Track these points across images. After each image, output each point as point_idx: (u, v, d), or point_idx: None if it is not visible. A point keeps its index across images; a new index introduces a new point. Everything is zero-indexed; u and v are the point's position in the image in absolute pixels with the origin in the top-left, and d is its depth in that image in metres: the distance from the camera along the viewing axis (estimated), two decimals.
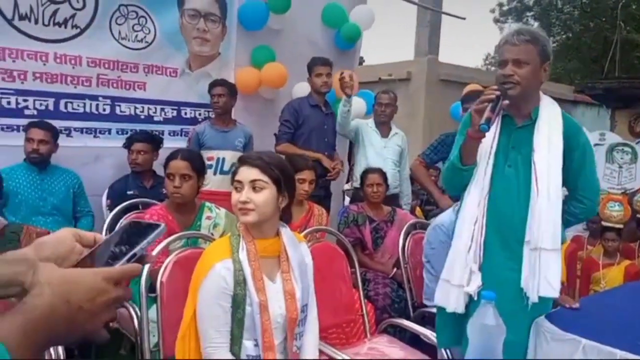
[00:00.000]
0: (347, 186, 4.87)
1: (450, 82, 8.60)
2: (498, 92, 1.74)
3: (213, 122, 3.71)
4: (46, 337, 0.55)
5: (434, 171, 4.40)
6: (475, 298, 1.76)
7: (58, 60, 3.36)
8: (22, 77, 3.25)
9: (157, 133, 3.68)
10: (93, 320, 0.59)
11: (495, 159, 1.85)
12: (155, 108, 3.83)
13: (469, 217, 1.85)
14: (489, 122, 1.70)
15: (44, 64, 3.32)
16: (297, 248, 1.72)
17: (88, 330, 0.60)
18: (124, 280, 0.64)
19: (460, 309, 1.80)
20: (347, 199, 4.59)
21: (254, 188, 1.61)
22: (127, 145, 3.39)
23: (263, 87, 4.21)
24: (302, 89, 4.17)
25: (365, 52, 5.52)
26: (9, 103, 3.23)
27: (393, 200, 3.64)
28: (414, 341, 2.44)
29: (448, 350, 2.02)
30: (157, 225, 0.74)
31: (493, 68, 24.60)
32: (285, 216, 1.76)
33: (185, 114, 4.00)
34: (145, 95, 3.75)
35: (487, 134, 1.75)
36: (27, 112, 3.28)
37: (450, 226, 2.76)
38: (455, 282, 1.82)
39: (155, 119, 3.84)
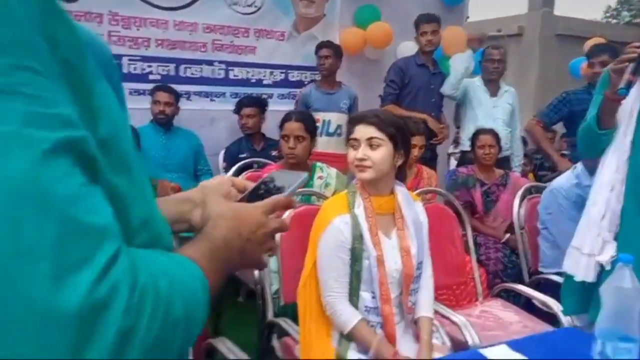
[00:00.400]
0: (451, 148, 4.73)
1: (567, 36, 7.94)
2: None
3: (319, 85, 3.75)
4: (225, 266, 0.61)
5: (550, 133, 4.12)
6: (608, 268, 1.65)
7: (177, 27, 3.57)
8: (145, 44, 3.50)
9: (266, 96, 3.80)
10: (258, 250, 0.66)
11: (637, 121, 1.68)
12: (265, 72, 3.95)
13: (605, 183, 1.71)
14: (629, 85, 1.56)
15: (164, 31, 3.54)
16: (412, 206, 1.72)
17: (254, 259, 0.66)
18: (277, 211, 0.70)
19: (590, 278, 1.70)
20: (453, 162, 4.47)
21: (370, 145, 1.62)
22: (237, 110, 3.54)
23: (367, 47, 4.15)
24: (406, 48, 4.06)
25: (472, 6, 5.20)
26: (135, 69, 3.51)
27: (504, 163, 3.47)
28: (527, 309, 2.36)
29: (570, 318, 1.93)
30: (301, 175, 0.79)
31: (614, 21, 22.06)
32: (401, 175, 1.76)
33: (293, 76, 4.08)
34: (256, 60, 3.88)
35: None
36: (151, 77, 3.55)
37: (569, 190, 2.59)
38: (585, 250, 1.72)
39: (265, 82, 3.96)
